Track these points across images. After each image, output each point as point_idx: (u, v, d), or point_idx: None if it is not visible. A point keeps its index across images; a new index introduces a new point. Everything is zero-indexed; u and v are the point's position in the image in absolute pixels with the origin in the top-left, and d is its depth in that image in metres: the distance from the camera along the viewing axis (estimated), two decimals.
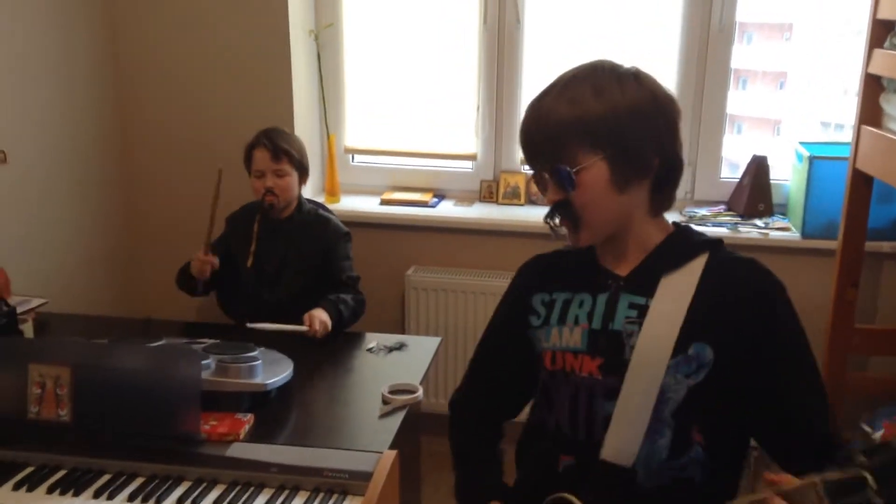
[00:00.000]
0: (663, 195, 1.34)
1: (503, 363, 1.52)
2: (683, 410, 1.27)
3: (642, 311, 1.30)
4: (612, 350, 1.30)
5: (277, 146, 2.46)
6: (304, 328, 2.28)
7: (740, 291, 1.29)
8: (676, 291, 1.29)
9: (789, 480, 1.05)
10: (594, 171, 1.26)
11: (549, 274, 1.44)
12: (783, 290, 1.31)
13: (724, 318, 1.27)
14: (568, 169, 1.25)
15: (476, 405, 1.60)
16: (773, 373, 1.27)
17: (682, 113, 1.34)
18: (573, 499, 1.27)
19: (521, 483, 1.51)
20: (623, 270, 1.35)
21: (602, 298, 1.34)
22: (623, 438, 1.28)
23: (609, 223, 1.31)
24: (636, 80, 1.29)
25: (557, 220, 1.32)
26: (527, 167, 3.12)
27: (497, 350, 1.55)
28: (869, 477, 0.95)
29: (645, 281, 1.32)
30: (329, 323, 2.32)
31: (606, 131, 1.24)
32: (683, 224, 1.42)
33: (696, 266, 1.30)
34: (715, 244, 1.35)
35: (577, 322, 1.35)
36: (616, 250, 1.36)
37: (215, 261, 2.47)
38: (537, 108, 1.30)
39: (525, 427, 1.52)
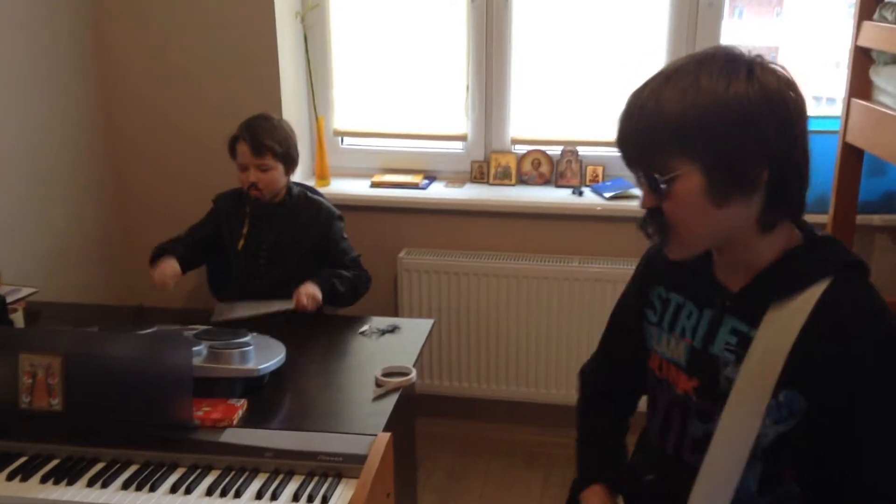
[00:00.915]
0: (778, 208, 1.14)
1: (628, 340, 1.44)
2: (773, 451, 1.18)
3: (743, 340, 1.19)
4: (707, 374, 1.22)
5: (258, 141, 2.41)
6: (289, 304, 2.27)
7: (851, 349, 1.11)
8: (782, 327, 1.13)
9: None
10: (688, 182, 1.10)
11: (670, 268, 1.28)
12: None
13: (825, 373, 1.12)
14: (657, 177, 1.11)
15: (604, 378, 1.54)
16: (858, 454, 1.15)
17: None
18: None
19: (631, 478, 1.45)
20: (734, 286, 1.22)
21: (707, 315, 1.24)
22: (712, 491, 1.19)
23: (704, 238, 1.17)
24: (748, 76, 1.08)
25: (650, 229, 1.19)
26: (517, 147, 3.13)
27: (623, 328, 1.47)
28: None
29: (752, 306, 1.18)
30: (318, 295, 2.31)
31: (704, 138, 1.07)
32: (818, 236, 1.20)
33: (811, 297, 1.12)
34: (842, 270, 1.15)
35: (683, 335, 1.27)
36: (727, 263, 1.22)
37: (173, 272, 2.44)
38: (634, 102, 1.13)
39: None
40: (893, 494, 1.14)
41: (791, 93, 1.11)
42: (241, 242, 2.52)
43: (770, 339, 1.14)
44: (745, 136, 1.07)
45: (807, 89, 3.19)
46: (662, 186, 1.11)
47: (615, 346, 1.51)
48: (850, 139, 2.43)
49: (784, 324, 1.13)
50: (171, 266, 2.43)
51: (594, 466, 1.47)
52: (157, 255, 2.51)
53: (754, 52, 1.13)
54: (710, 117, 1.06)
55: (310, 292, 2.31)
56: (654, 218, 1.16)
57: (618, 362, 1.50)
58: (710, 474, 1.20)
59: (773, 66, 1.12)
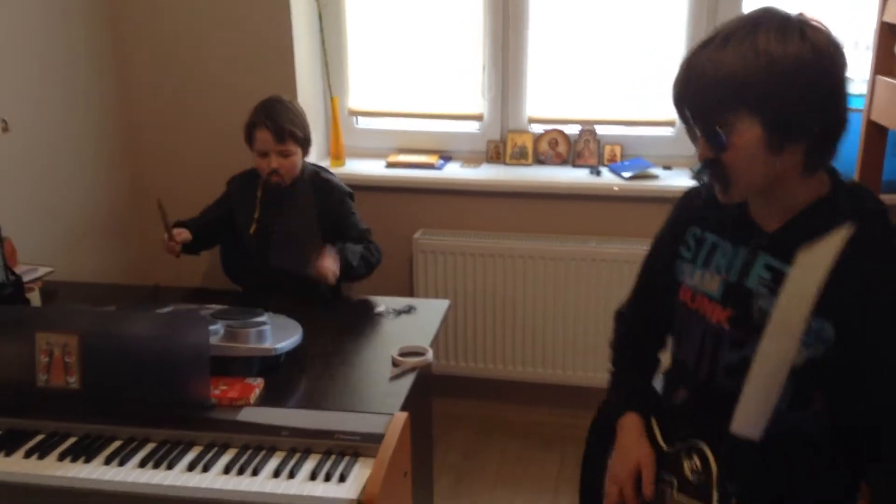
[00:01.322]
0: (822, 157, 1.27)
1: (661, 279, 1.53)
2: (803, 374, 1.29)
3: (776, 276, 1.30)
4: (742, 305, 1.34)
5: (281, 127, 2.38)
6: (312, 272, 2.26)
7: (877, 286, 1.25)
8: (814, 265, 1.24)
9: None
10: (748, 135, 1.21)
11: (706, 209, 1.43)
12: None
13: (854, 303, 1.24)
14: (720, 130, 1.22)
15: (638, 316, 1.65)
16: (880, 375, 1.28)
17: None
18: (708, 452, 1.36)
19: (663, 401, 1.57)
20: (769, 226, 1.34)
21: (742, 252, 1.36)
22: (752, 412, 1.30)
23: (759, 184, 1.28)
24: (801, 37, 1.18)
25: (706, 178, 1.31)
26: (533, 126, 3.10)
27: (657, 268, 1.57)
28: None
29: (785, 245, 1.29)
30: (336, 267, 2.28)
31: (764, 95, 1.18)
32: (847, 183, 1.34)
33: (839, 238, 1.24)
34: (867, 216, 1.27)
35: (718, 271, 1.38)
36: (765, 205, 1.34)
37: (184, 237, 2.43)
38: (694, 61, 1.23)
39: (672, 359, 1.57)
40: None
41: (837, 51, 1.21)
42: (253, 227, 2.51)
43: (803, 274, 1.25)
44: (800, 93, 1.18)
45: None
46: (725, 139, 1.22)
47: (649, 285, 1.61)
48: (875, 117, 2.38)
49: (816, 261, 1.24)
50: (180, 231, 2.43)
51: (629, 396, 1.58)
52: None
53: (797, 13, 1.23)
54: (769, 77, 1.17)
55: (331, 265, 2.27)
56: (713, 168, 1.27)
57: (651, 300, 1.60)
58: (751, 395, 1.30)
59: (819, 25, 1.22)
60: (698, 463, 1.37)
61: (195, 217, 2.60)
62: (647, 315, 1.63)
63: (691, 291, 1.43)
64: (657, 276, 1.56)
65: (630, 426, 1.54)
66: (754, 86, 1.18)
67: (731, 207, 1.35)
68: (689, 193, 1.52)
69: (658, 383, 1.62)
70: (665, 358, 1.63)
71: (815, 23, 1.22)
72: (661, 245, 1.56)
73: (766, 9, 1.23)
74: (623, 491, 1.50)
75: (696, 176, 1.32)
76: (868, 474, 1.35)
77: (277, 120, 2.40)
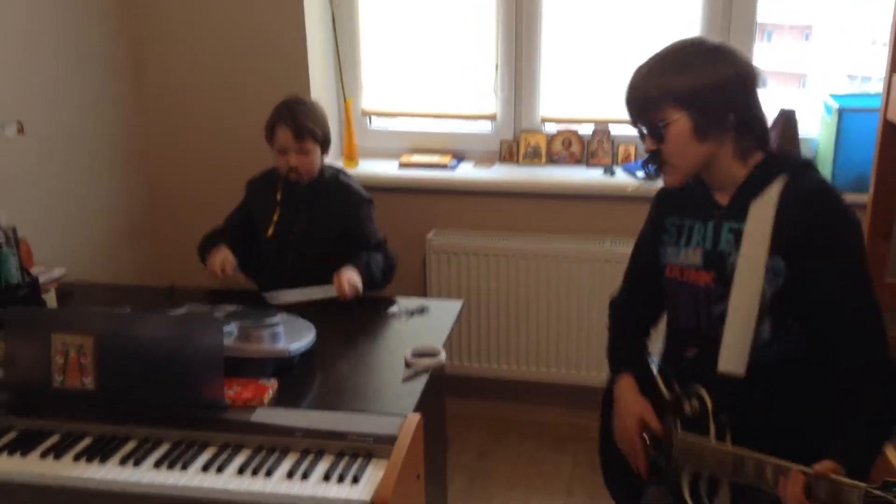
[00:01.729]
0: (746, 142, 1.58)
1: (644, 271, 1.81)
2: (774, 308, 1.55)
3: (738, 235, 1.58)
4: (719, 266, 1.61)
5: (301, 125, 2.40)
6: (331, 293, 2.26)
7: (811, 220, 1.52)
8: (761, 215, 1.54)
9: (839, 472, 1.34)
10: (679, 126, 1.54)
11: (678, 200, 1.71)
12: (849, 223, 1.52)
13: (796, 238, 1.51)
14: (660, 124, 1.55)
15: (626, 304, 1.90)
16: (832, 294, 1.51)
17: None
18: (704, 393, 1.58)
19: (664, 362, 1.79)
20: (724, 200, 1.63)
21: (710, 225, 1.64)
22: (733, 352, 1.56)
23: (691, 167, 1.59)
24: (724, 59, 1.55)
25: (650, 166, 1.63)
26: (547, 126, 3.09)
27: (639, 261, 1.85)
28: None
29: (739, 209, 1.58)
30: (359, 284, 2.30)
31: (694, 98, 1.52)
32: (775, 152, 1.62)
33: (775, 190, 1.55)
34: (794, 168, 1.58)
35: (697, 245, 1.65)
36: (717, 186, 1.63)
37: (229, 259, 2.44)
38: (637, 76, 1.59)
39: (667, 324, 1.81)
40: (864, 317, 1.51)
41: (747, 67, 1.57)
42: (271, 230, 2.52)
43: (755, 223, 1.55)
44: (720, 96, 1.53)
45: (841, 67, 3.15)
46: (662, 131, 1.55)
47: (637, 274, 1.86)
48: (892, 116, 2.36)
49: (762, 210, 1.54)
50: (222, 253, 2.44)
51: (624, 361, 1.83)
52: (206, 246, 2.52)
53: (719, 41, 1.62)
54: (699, 86, 1.53)
55: (352, 279, 2.29)
56: (654, 157, 1.59)
57: (640, 287, 1.85)
58: (730, 337, 1.56)
59: (733, 49, 1.59)
60: (696, 403, 1.59)
61: (222, 226, 2.62)
62: (636, 299, 1.87)
63: (679, 268, 1.68)
64: (644, 266, 1.81)
65: (626, 387, 1.76)
66: (688, 92, 1.52)
67: (696, 193, 1.66)
68: (662, 192, 1.79)
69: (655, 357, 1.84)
70: (656, 334, 1.87)
71: (731, 48, 1.59)
72: (644, 239, 1.82)
73: (697, 37, 1.66)
74: (632, 446, 1.72)
75: (643, 164, 1.63)
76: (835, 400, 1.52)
77: (298, 118, 2.42)
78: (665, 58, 1.58)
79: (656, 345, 1.85)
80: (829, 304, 1.52)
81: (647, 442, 1.71)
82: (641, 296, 1.85)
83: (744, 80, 1.56)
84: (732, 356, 1.56)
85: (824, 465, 1.36)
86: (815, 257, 1.50)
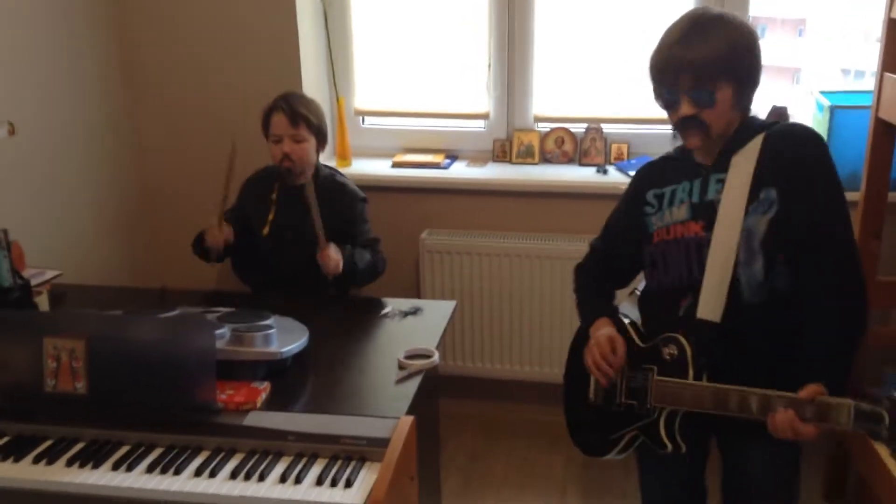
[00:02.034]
0: (750, 102, 1.75)
1: (621, 238, 1.93)
2: (768, 241, 1.66)
3: (723, 184, 1.71)
4: (708, 214, 1.71)
5: (295, 111, 2.43)
6: (324, 243, 2.30)
7: (790, 146, 1.68)
8: (743, 164, 1.69)
9: (822, 393, 1.50)
10: (725, 93, 1.66)
11: (659, 174, 1.85)
12: (821, 149, 1.69)
13: (781, 170, 1.66)
14: (709, 90, 1.65)
15: (595, 271, 2.00)
16: (809, 212, 1.65)
17: None
18: (682, 339, 1.70)
19: (646, 325, 1.86)
20: (707, 160, 1.76)
21: (697, 181, 1.75)
22: (712, 300, 1.67)
23: (726, 127, 1.71)
24: (748, 28, 1.70)
25: (690, 131, 1.70)
26: (540, 125, 3.09)
27: (617, 228, 1.96)
28: (886, 416, 1.38)
29: (723, 163, 1.72)
30: (339, 260, 2.33)
31: (736, 66, 1.65)
32: (750, 116, 1.77)
33: (757, 142, 1.69)
34: (770, 125, 1.73)
35: (682, 201, 1.76)
36: (705, 151, 1.75)
37: (229, 233, 2.45)
38: (675, 47, 1.66)
39: (643, 292, 1.92)
40: (839, 241, 1.67)
41: (756, 34, 1.72)
42: (267, 228, 2.52)
43: (736, 173, 1.69)
44: (754, 62, 1.69)
45: (834, 62, 3.15)
46: (713, 97, 1.65)
47: (610, 242, 1.97)
48: (883, 115, 2.37)
49: (745, 158, 1.69)
50: (218, 226, 2.44)
51: (596, 309, 1.92)
52: (200, 237, 2.52)
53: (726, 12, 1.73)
54: (737, 53, 1.65)
55: (335, 256, 2.33)
56: (693, 122, 1.68)
57: (611, 254, 1.97)
58: (708, 285, 1.68)
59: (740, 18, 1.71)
60: (675, 349, 1.71)
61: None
62: (605, 269, 1.98)
63: (665, 229, 1.78)
64: (618, 238, 1.94)
65: (600, 324, 1.87)
66: (728, 60, 1.64)
67: (678, 162, 1.82)
68: (641, 171, 1.93)
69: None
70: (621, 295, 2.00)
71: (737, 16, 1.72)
72: (621, 212, 1.95)
73: (707, 7, 1.74)
74: (600, 345, 1.80)
75: (678, 129, 1.72)
76: (804, 324, 1.66)
77: (293, 105, 2.45)
78: (705, 26, 1.66)
79: (622, 304, 1.98)
80: (813, 228, 1.65)
81: (621, 372, 1.80)
82: (611, 263, 1.97)
83: (759, 45, 1.72)
84: (710, 301, 1.67)
85: (809, 390, 1.52)
86: (801, 185, 1.65)
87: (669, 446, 1.73)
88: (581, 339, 1.93)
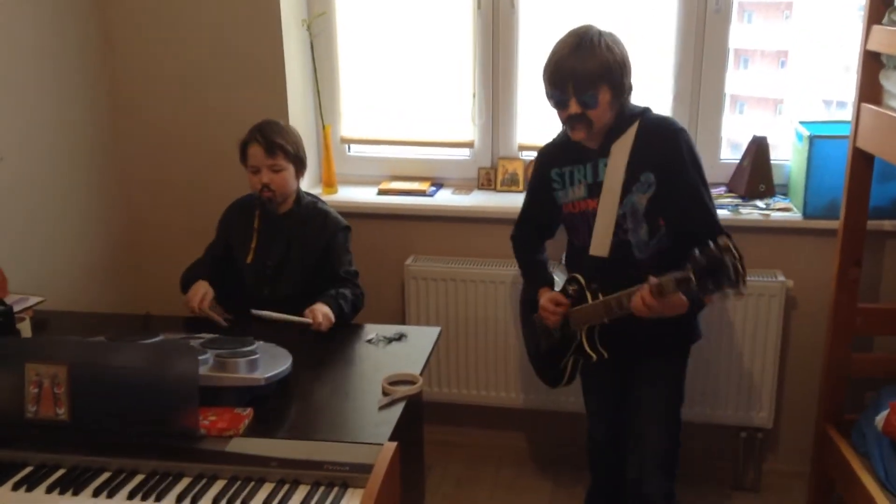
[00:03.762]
0: (624, 102, 2.17)
1: (539, 208, 2.41)
2: (649, 213, 2.15)
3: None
4: (600, 192, 2.18)
5: (271, 141, 2.43)
6: (307, 320, 2.27)
7: (661, 139, 2.15)
8: (621, 149, 2.16)
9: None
10: (605, 96, 2.08)
11: (557, 154, 2.31)
12: (685, 140, 2.15)
13: (655, 155, 2.13)
14: (591, 94, 2.07)
15: (526, 233, 2.53)
16: (680, 191, 2.14)
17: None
18: (578, 276, 2.25)
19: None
20: (594, 146, 2.20)
21: (590, 165, 2.21)
22: (600, 239, 2.19)
23: (606, 123, 2.14)
24: (618, 44, 2.13)
25: (577, 127, 2.13)
26: (524, 153, 3.12)
27: (535, 201, 2.45)
28: (692, 275, 1.82)
29: (606, 149, 2.18)
30: (332, 316, 2.31)
31: (613, 74, 2.07)
32: (619, 114, 2.16)
33: (631, 130, 2.16)
34: (641, 114, 2.19)
35: (579, 181, 2.24)
36: (592, 140, 2.18)
37: (209, 294, 2.44)
38: (566, 59, 2.08)
39: (566, 255, 2.46)
40: (703, 210, 2.16)
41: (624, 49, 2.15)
42: (250, 256, 2.52)
43: (615, 157, 2.16)
44: (626, 71, 2.12)
45: (816, 93, 3.20)
46: (596, 99, 2.07)
47: (531, 214, 2.49)
48: (861, 144, 2.41)
49: (622, 146, 2.15)
50: (201, 287, 2.43)
51: (540, 279, 2.43)
52: (188, 278, 2.52)
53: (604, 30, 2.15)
54: (618, 66, 2.09)
55: (325, 312, 2.30)
56: (579, 119, 2.11)
57: (536, 221, 2.49)
58: (597, 231, 2.19)
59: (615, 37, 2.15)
60: (575, 285, 2.25)
61: (202, 258, 2.62)
62: (532, 231, 2.51)
63: (570, 204, 2.27)
64: (536, 207, 2.43)
65: (543, 291, 2.37)
66: (607, 70, 2.06)
67: (570, 147, 2.22)
68: (541, 153, 2.39)
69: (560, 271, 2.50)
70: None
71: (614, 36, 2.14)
72: (535, 188, 2.43)
73: (589, 26, 2.13)
74: (547, 309, 2.29)
75: (567, 124, 2.14)
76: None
77: (269, 135, 2.45)
78: (582, 44, 2.07)
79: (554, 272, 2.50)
80: (687, 200, 2.13)
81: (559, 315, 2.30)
82: (536, 227, 2.49)
83: (627, 57, 2.13)
84: (598, 244, 2.19)
85: (652, 280, 1.97)
86: (674, 171, 2.12)
87: (594, 356, 2.23)
88: (526, 301, 2.54)
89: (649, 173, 2.12)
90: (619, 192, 2.14)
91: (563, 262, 2.51)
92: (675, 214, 2.15)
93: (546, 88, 2.15)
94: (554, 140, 2.36)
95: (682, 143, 2.14)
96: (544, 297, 2.32)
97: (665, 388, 2.30)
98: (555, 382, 2.46)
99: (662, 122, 2.20)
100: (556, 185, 2.29)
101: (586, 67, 2.05)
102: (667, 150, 2.13)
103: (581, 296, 2.22)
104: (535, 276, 2.46)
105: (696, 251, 1.81)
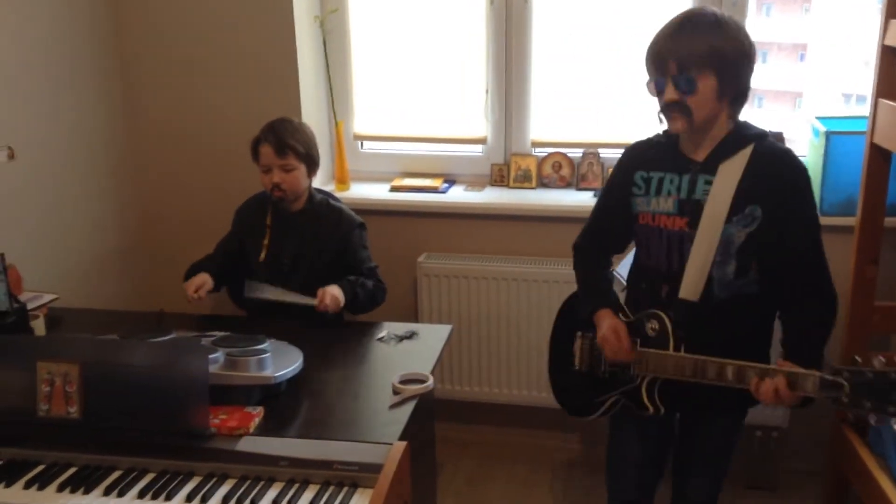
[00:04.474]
0: (739, 106, 1.87)
1: (611, 215, 2.06)
2: (743, 250, 1.84)
3: (711, 185, 1.84)
4: (695, 211, 1.86)
5: (282, 141, 2.42)
6: (312, 301, 2.27)
7: (780, 171, 1.83)
8: (731, 172, 1.82)
9: (795, 367, 1.70)
10: (708, 84, 1.78)
11: (645, 157, 1.96)
12: (807, 179, 1.85)
13: (768, 190, 1.81)
14: (693, 78, 1.77)
15: (591, 245, 2.14)
16: (791, 236, 1.83)
17: None
18: (662, 314, 1.89)
19: (630, 303, 2.06)
20: (699, 156, 1.88)
21: (686, 177, 1.88)
22: (694, 279, 1.85)
23: (706, 118, 1.82)
24: (741, 30, 1.82)
25: (673, 114, 1.83)
26: (537, 150, 3.10)
27: (607, 209, 2.09)
28: (846, 385, 1.58)
29: (712, 165, 1.85)
30: (341, 299, 2.32)
31: (724, 62, 1.77)
32: (741, 122, 1.88)
33: (745, 153, 1.83)
34: (760, 137, 1.86)
35: (669, 193, 1.89)
36: (695, 143, 1.88)
37: (205, 289, 2.46)
38: (670, 35, 1.81)
39: (631, 268, 2.11)
40: (816, 260, 1.86)
41: (752, 44, 1.84)
42: (263, 254, 2.53)
43: (723, 179, 1.83)
44: (740, 61, 1.80)
45: (836, 87, 3.16)
46: (695, 85, 1.77)
47: (603, 221, 2.10)
48: (878, 140, 2.37)
49: (733, 168, 1.83)
50: (200, 278, 2.45)
51: (601, 298, 2.05)
52: (190, 273, 2.53)
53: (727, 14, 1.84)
54: (730, 53, 1.78)
55: (334, 294, 2.32)
56: (677, 107, 1.80)
57: (605, 232, 2.11)
58: (690, 270, 1.86)
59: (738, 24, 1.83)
60: (656, 324, 1.89)
61: (212, 253, 2.63)
62: (601, 240, 2.12)
63: (650, 215, 1.92)
64: (609, 211, 2.06)
65: (605, 315, 2.00)
66: (717, 55, 1.76)
67: (665, 150, 1.92)
68: (628, 151, 2.03)
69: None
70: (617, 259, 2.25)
71: (736, 21, 1.83)
72: (612, 191, 2.06)
73: (705, 7, 1.84)
74: (609, 341, 1.95)
75: (663, 111, 1.84)
76: (782, 319, 1.90)
77: (280, 135, 2.44)
78: (696, 21, 1.79)
79: (618, 265, 2.29)
80: (792, 243, 1.84)
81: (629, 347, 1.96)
82: (606, 237, 2.11)
83: (753, 54, 1.83)
84: (690, 285, 1.86)
85: (781, 363, 1.72)
86: (787, 211, 1.82)
87: (651, 409, 1.92)
88: (568, 310, 2.20)
89: (757, 206, 1.81)
90: (723, 221, 1.82)
91: (618, 273, 2.20)
92: (776, 259, 1.85)
93: (647, 70, 1.87)
94: (649, 138, 2.00)
95: (805, 181, 1.85)
96: (607, 325, 1.97)
97: (723, 449, 2.07)
98: (578, 413, 2.15)
99: (785, 153, 1.86)
100: (636, 191, 1.94)
101: (689, 46, 1.77)
102: (785, 186, 1.82)
103: (662, 340, 1.88)
104: (595, 293, 2.08)
105: (856, 359, 1.61)
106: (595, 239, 2.14)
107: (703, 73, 1.77)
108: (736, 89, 1.82)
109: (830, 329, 1.86)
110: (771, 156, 1.84)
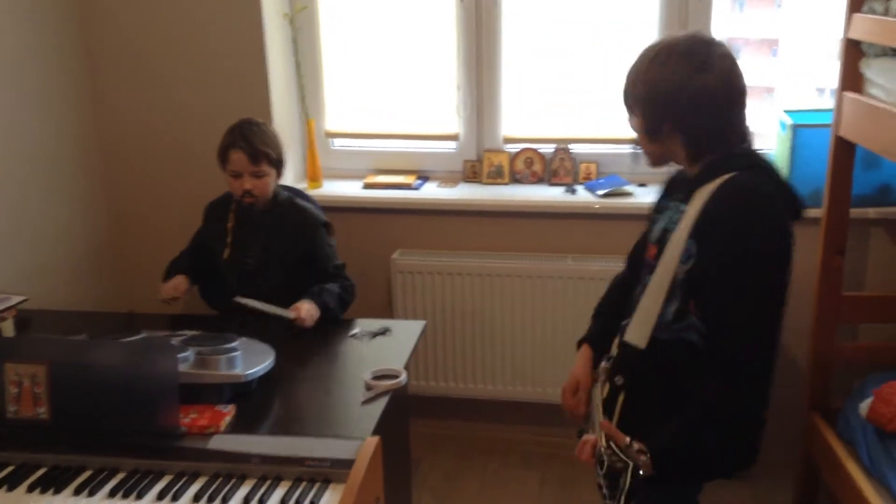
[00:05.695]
0: (697, 150, 1.67)
1: (641, 243, 1.90)
2: (682, 287, 1.63)
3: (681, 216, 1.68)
4: (663, 243, 1.69)
5: (254, 148, 2.38)
6: (291, 314, 2.26)
7: (723, 206, 1.58)
8: (696, 204, 1.62)
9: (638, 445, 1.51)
10: (635, 122, 1.71)
11: (673, 183, 1.85)
12: (747, 222, 1.56)
13: (706, 227, 1.59)
14: (630, 114, 1.72)
15: (625, 278, 1.96)
16: (710, 284, 1.59)
17: None
18: (605, 365, 1.80)
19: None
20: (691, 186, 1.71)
21: (675, 205, 1.72)
22: (642, 322, 1.69)
23: (652, 156, 1.74)
24: (683, 65, 1.61)
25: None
26: (509, 146, 3.12)
27: (642, 237, 1.91)
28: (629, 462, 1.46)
29: (689, 195, 1.66)
30: (315, 312, 2.30)
31: (637, 100, 1.68)
32: (735, 153, 1.66)
33: (715, 184, 1.61)
34: (742, 168, 1.62)
35: (661, 221, 1.75)
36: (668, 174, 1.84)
37: (181, 290, 2.47)
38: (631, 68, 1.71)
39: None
40: (729, 324, 1.57)
41: (704, 80, 1.60)
42: (227, 252, 2.51)
43: (691, 207, 1.63)
44: (658, 107, 1.64)
45: (807, 81, 3.20)
46: (630, 122, 1.73)
47: (634, 251, 1.95)
48: (843, 132, 2.41)
49: (699, 199, 1.62)
50: (175, 279, 2.45)
51: (590, 334, 1.97)
52: (170, 270, 2.53)
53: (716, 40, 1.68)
54: (644, 94, 1.65)
55: (308, 308, 2.29)
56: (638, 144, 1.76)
57: (632, 264, 1.92)
58: (640, 313, 1.70)
59: (706, 57, 1.62)
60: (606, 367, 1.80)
61: (187, 248, 2.63)
62: (627, 275, 1.94)
63: (649, 246, 1.78)
64: (638, 244, 1.92)
65: (581, 355, 1.94)
66: (636, 95, 1.67)
67: (684, 176, 1.75)
68: (667, 180, 1.89)
69: None
70: None
71: (725, 51, 1.65)
72: (650, 213, 1.88)
73: (693, 35, 1.66)
74: (565, 398, 1.93)
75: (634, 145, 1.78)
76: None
77: (252, 142, 2.40)
78: (641, 55, 1.68)
79: None
80: (710, 294, 1.59)
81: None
82: (632, 272, 1.91)
83: (692, 94, 1.59)
84: (637, 328, 1.70)
85: (615, 436, 1.52)
86: (711, 246, 1.58)
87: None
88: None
89: (693, 241, 1.60)
90: (678, 255, 1.62)
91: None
92: (704, 302, 1.61)
93: None
94: (675, 170, 1.86)
95: (745, 222, 1.56)
96: (573, 370, 1.92)
97: None
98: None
99: (742, 187, 1.59)
100: (654, 217, 1.81)
101: (629, 78, 1.69)
102: (719, 221, 1.57)
103: (613, 394, 1.73)
104: (592, 325, 1.98)
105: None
106: (626, 272, 1.99)
107: (632, 110, 1.72)
108: (658, 129, 1.66)
109: (711, 425, 1.57)
110: (730, 187, 1.59)
